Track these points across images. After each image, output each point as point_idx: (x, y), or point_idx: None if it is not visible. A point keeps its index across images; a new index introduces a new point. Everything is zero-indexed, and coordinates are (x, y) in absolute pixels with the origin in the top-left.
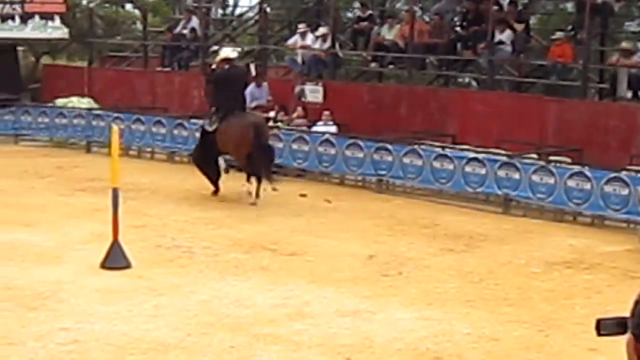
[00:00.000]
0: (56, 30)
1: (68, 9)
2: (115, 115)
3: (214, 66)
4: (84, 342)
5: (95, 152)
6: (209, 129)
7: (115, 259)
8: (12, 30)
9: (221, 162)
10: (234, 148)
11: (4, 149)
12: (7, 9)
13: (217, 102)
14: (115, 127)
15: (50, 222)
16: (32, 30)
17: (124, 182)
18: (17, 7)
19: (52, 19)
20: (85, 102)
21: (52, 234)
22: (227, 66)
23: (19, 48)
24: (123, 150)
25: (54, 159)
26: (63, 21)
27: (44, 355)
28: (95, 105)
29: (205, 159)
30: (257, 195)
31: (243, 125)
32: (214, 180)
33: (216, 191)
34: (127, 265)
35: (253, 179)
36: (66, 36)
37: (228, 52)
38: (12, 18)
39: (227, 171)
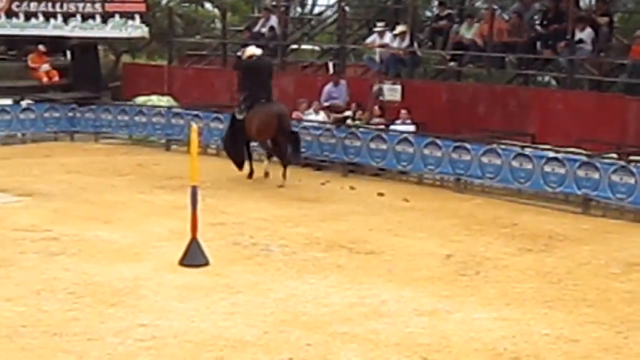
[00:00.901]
0: (136, 29)
1: (148, 8)
2: (194, 113)
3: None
4: (161, 338)
5: (174, 150)
6: (239, 117)
7: (193, 257)
8: (92, 29)
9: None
10: (257, 134)
11: (84, 146)
12: (88, 8)
13: (245, 91)
14: (194, 126)
15: (130, 220)
16: (113, 29)
17: (202, 180)
18: (98, 6)
19: (132, 18)
20: (164, 101)
21: (131, 231)
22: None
23: (100, 47)
24: (202, 148)
25: (134, 156)
26: (143, 20)
27: (122, 351)
28: (174, 104)
29: (234, 144)
30: (284, 177)
31: (267, 114)
32: (240, 164)
33: (250, 174)
34: (205, 263)
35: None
36: (146, 35)
37: (254, 49)
38: (93, 17)
39: (267, 175)
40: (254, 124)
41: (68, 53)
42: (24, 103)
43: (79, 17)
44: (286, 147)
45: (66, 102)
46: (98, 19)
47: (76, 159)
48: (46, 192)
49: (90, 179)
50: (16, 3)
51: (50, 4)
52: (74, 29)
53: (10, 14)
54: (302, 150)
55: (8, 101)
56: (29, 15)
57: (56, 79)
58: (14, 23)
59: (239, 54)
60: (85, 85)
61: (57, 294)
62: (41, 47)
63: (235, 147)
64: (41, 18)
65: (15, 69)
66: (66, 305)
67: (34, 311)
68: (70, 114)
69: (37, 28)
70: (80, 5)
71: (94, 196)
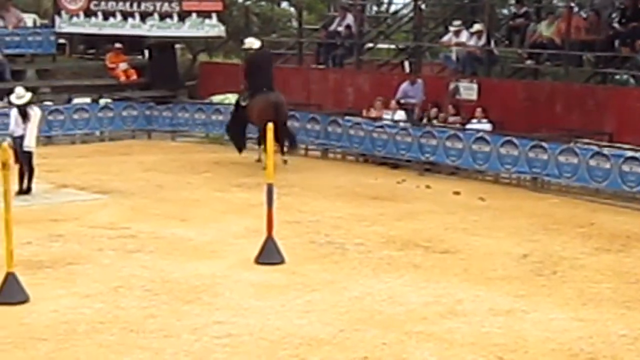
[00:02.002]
0: (213, 28)
1: (225, 7)
2: None
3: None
4: (237, 335)
5: (250, 149)
6: (243, 104)
7: (269, 255)
8: (170, 29)
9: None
10: (258, 119)
11: (161, 144)
12: (166, 7)
13: (249, 81)
14: (269, 124)
15: (206, 217)
16: (190, 29)
17: (278, 178)
18: (175, 5)
19: (209, 17)
20: None
21: (207, 228)
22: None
23: (177, 46)
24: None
25: (210, 154)
26: (220, 19)
27: (198, 348)
28: None
29: (235, 128)
30: (285, 162)
31: (266, 101)
32: (240, 147)
33: (240, 151)
34: (281, 261)
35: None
36: (222, 34)
37: (253, 41)
38: (170, 16)
39: (259, 161)
40: (255, 110)
41: (146, 52)
42: (102, 101)
43: (156, 16)
44: (285, 134)
45: (144, 100)
46: (175, 18)
47: (153, 157)
48: (124, 189)
49: (167, 176)
50: (94, 2)
51: (128, 3)
52: (152, 28)
53: (88, 13)
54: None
55: (87, 100)
56: (107, 15)
57: (134, 77)
58: (92, 22)
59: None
60: (162, 83)
61: (134, 291)
62: (119, 46)
63: (236, 132)
64: (119, 17)
65: (94, 67)
66: (143, 303)
67: (111, 308)
68: (148, 113)
69: (115, 27)
70: (158, 4)
71: (170, 194)
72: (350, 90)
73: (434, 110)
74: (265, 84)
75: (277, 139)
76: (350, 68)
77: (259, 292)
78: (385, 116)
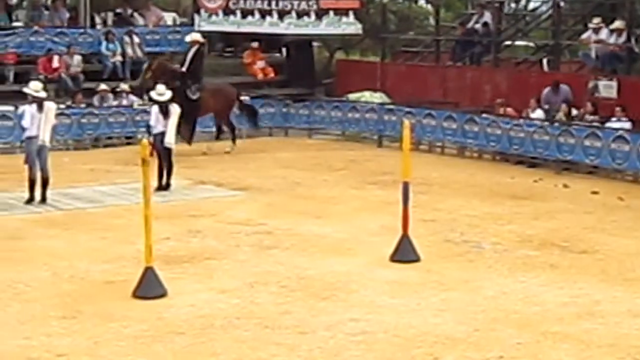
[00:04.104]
0: (350, 25)
1: (362, 5)
2: (407, 109)
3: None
4: (372, 333)
5: (386, 146)
6: (193, 97)
7: (404, 252)
8: (307, 27)
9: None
10: (223, 108)
11: (297, 142)
12: (303, 5)
13: (195, 74)
14: (406, 122)
15: (342, 214)
16: (327, 26)
17: (414, 176)
18: (313, 3)
19: (346, 14)
20: (377, 97)
21: (343, 225)
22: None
23: (314, 44)
24: (414, 144)
25: (346, 152)
26: (357, 17)
27: (333, 345)
28: (387, 100)
29: (186, 121)
30: (234, 143)
31: (227, 89)
32: (189, 139)
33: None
34: (416, 259)
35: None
36: (359, 32)
37: (195, 35)
38: (308, 14)
39: (206, 154)
40: (219, 100)
41: (283, 50)
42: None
43: (294, 14)
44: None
45: (281, 98)
46: (313, 16)
47: (290, 154)
48: (260, 186)
49: (304, 173)
50: (233, 1)
51: (266, 2)
52: (289, 26)
53: (227, 11)
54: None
55: None
56: (245, 13)
57: (271, 75)
58: (231, 20)
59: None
60: (299, 81)
61: (270, 287)
62: (256, 44)
63: (186, 124)
64: (257, 15)
65: (232, 65)
66: (279, 299)
67: (247, 303)
68: (285, 110)
69: (253, 25)
70: (295, 2)
71: (307, 191)
72: (488, 88)
73: (563, 106)
74: (202, 77)
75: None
76: (487, 66)
77: (394, 289)
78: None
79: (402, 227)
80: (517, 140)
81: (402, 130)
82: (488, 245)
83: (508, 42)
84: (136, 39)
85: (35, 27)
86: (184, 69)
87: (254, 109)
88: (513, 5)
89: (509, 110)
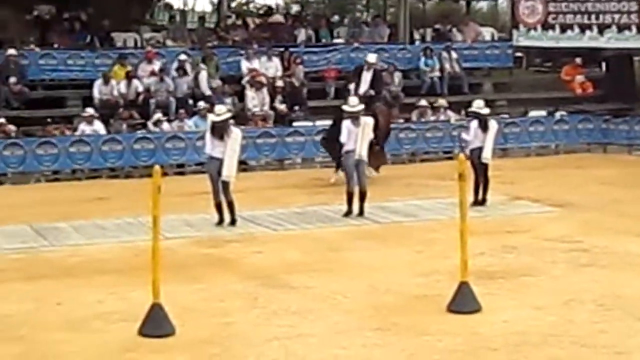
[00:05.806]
0: None
1: None
2: None
3: None
4: None
5: None
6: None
7: None
8: (627, 40)
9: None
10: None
11: (618, 158)
12: (625, 19)
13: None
14: None
15: None
16: None
17: None
18: (635, 17)
19: None
20: None
21: None
22: None
23: (635, 58)
24: None
25: None
26: None
27: None
28: None
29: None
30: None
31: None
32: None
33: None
34: None
35: None
36: None
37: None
38: (629, 28)
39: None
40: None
41: (602, 64)
42: (557, 114)
43: (614, 28)
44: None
45: (600, 113)
46: (634, 29)
47: (609, 170)
48: (577, 203)
49: (624, 191)
50: (552, 15)
51: (586, 16)
52: (609, 40)
53: (546, 26)
54: None
55: (542, 112)
56: (564, 28)
57: (590, 90)
58: (549, 35)
59: None
60: (618, 96)
61: (586, 305)
62: (577, 60)
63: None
64: (576, 30)
65: (549, 80)
66: (594, 317)
67: (562, 321)
68: (604, 126)
69: (572, 40)
70: (617, 16)
71: (627, 208)
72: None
73: None
74: None
75: None
76: None
77: None
78: None
79: None
80: None
81: None
82: None
83: None
84: (454, 55)
85: (355, 44)
86: (372, 92)
87: None
88: None
89: None
